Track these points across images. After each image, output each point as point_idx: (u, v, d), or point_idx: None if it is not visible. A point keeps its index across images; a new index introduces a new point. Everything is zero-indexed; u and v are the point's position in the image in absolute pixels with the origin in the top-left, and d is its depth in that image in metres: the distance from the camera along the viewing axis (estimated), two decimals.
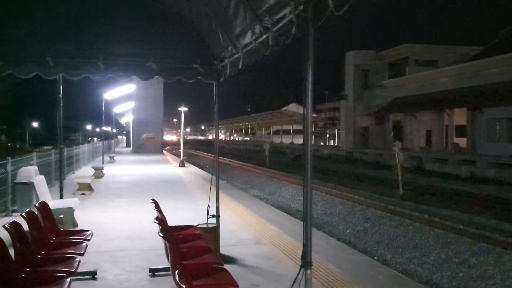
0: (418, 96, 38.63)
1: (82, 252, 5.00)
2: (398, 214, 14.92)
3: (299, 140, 70.02)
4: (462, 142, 34.58)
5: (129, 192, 14.39)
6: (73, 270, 4.30)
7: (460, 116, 34.49)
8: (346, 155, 44.13)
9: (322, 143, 70.31)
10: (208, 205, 6.74)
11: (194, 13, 6.05)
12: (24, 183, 9.39)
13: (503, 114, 30.51)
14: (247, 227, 9.00)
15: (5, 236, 4.07)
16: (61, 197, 10.28)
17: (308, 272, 3.62)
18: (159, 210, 5.48)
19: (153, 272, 5.88)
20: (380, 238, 12.31)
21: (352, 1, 2.95)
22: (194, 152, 60.32)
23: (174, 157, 37.12)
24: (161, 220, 5.01)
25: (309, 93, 3.54)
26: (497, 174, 25.26)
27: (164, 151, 45.39)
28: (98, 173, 19.12)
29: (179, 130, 30.13)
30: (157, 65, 6.31)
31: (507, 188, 22.01)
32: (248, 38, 4.97)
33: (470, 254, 10.46)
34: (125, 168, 24.85)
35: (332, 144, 68.57)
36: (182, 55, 6.48)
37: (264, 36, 4.45)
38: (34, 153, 13.73)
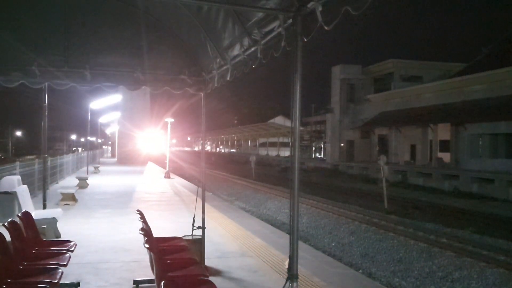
0: (403, 111, 39.13)
1: (65, 263, 4.91)
2: (383, 228, 15.00)
3: (285, 152, 70.16)
4: (446, 157, 35.02)
5: (113, 203, 14.22)
6: (56, 281, 4.23)
7: (444, 131, 34.97)
8: (331, 168, 44.32)
9: (308, 156, 70.45)
10: (194, 217, 6.70)
11: (182, 24, 6.07)
12: (7, 192, 9.22)
13: (485, 130, 31.05)
14: (232, 239, 8.95)
15: None
16: (44, 207, 10.10)
17: (294, 285, 3.61)
18: (144, 221, 5.43)
19: (137, 284, 5.80)
20: (365, 251, 12.34)
21: (341, 16, 3.00)
22: (180, 163, 59.89)
23: (160, 168, 36.88)
24: (146, 231, 4.96)
25: (297, 106, 3.57)
26: (480, 189, 25.58)
27: (150, 162, 45.05)
28: (82, 184, 18.88)
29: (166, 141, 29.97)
30: (144, 75, 6.31)
31: (490, 203, 22.30)
32: (236, 50, 5.00)
33: (453, 268, 10.54)
34: (110, 178, 24.59)
35: (318, 157, 68.80)
36: (169, 65, 6.48)
37: (253, 49, 4.48)
38: (17, 163, 13.52)
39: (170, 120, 26.86)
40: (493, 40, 39.91)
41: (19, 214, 5.72)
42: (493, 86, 29.98)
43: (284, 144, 74.52)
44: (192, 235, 6.52)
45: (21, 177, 10.53)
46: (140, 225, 5.32)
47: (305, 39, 3.49)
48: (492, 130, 30.59)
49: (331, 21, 3.07)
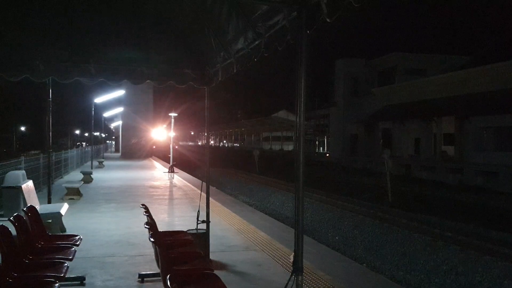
0: (407, 104, 38.97)
1: (70, 257, 4.94)
2: (387, 221, 14.99)
3: (288, 146, 70.16)
4: (450, 150, 34.91)
5: (118, 197, 14.28)
6: (62, 275, 4.25)
7: (448, 125, 34.83)
8: (335, 162, 44.27)
9: (311, 150, 70.39)
10: (198, 211, 6.71)
11: (186, 18, 6.04)
12: (12, 187, 9.30)
13: (490, 123, 30.92)
14: (237, 233, 8.97)
15: None
16: (49, 202, 10.15)
17: (299, 278, 3.61)
18: (149, 215, 5.45)
19: (142, 277, 5.83)
20: (369, 245, 12.33)
21: (344, 8, 2.98)
22: (184, 158, 60.00)
23: (164, 162, 36.97)
24: (151, 225, 4.98)
25: (302, 99, 3.55)
26: (484, 182, 25.51)
27: (154, 156, 45.15)
28: (87, 178, 18.96)
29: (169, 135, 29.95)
30: (148, 69, 6.29)
31: (494, 196, 22.23)
32: (240, 44, 4.97)
33: (458, 261, 10.53)
34: (114, 173, 24.69)
35: (321, 151, 68.73)
36: (173, 59, 6.46)
37: (257, 42, 4.45)
38: (22, 157, 13.57)
39: (173, 114, 26.88)
40: (498, 32, 39.66)
41: (25, 209, 5.75)
42: (498, 79, 29.81)
43: (288, 138, 74.51)
44: (196, 229, 6.54)
45: (26, 172, 10.60)
46: (145, 219, 5.34)
47: (308, 32, 3.47)
48: (496, 123, 30.46)
49: (335, 13, 3.05)
